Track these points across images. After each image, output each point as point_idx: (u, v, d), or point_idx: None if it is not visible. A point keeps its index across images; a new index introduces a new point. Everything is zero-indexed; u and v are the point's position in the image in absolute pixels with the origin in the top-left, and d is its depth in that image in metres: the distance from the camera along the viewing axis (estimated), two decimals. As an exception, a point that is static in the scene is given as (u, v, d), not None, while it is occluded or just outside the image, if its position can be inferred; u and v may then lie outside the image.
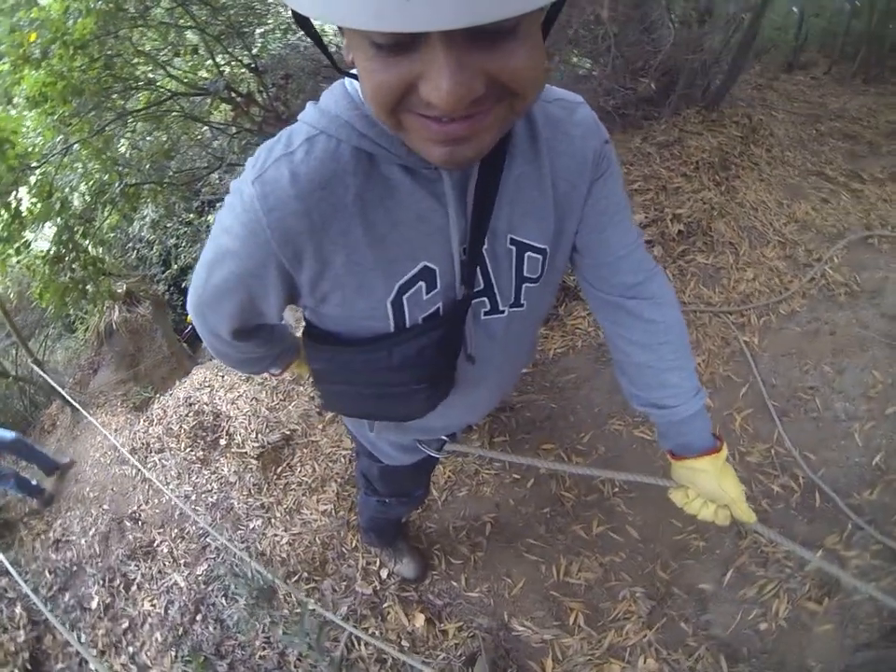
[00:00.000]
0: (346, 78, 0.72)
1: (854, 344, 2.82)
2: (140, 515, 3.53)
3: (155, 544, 3.30)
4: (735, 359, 2.91)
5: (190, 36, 4.03)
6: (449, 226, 0.74)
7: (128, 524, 3.50)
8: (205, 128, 4.72)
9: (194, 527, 3.16)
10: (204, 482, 3.39)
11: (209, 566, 3.00)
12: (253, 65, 3.53)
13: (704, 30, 3.98)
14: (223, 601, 2.76)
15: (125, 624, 2.96)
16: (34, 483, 4.37)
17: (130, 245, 6.91)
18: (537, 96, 0.62)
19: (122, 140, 4.52)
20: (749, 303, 3.17)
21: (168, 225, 6.83)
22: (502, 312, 0.90)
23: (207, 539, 3.06)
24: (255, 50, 3.59)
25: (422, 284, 0.78)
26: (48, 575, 3.27)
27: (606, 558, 2.29)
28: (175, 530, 3.30)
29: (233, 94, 3.68)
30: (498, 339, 0.93)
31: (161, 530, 3.34)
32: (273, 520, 2.99)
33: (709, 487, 0.99)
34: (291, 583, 2.59)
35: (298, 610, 2.44)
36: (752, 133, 4.38)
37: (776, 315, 3.10)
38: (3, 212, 3.62)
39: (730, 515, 1.03)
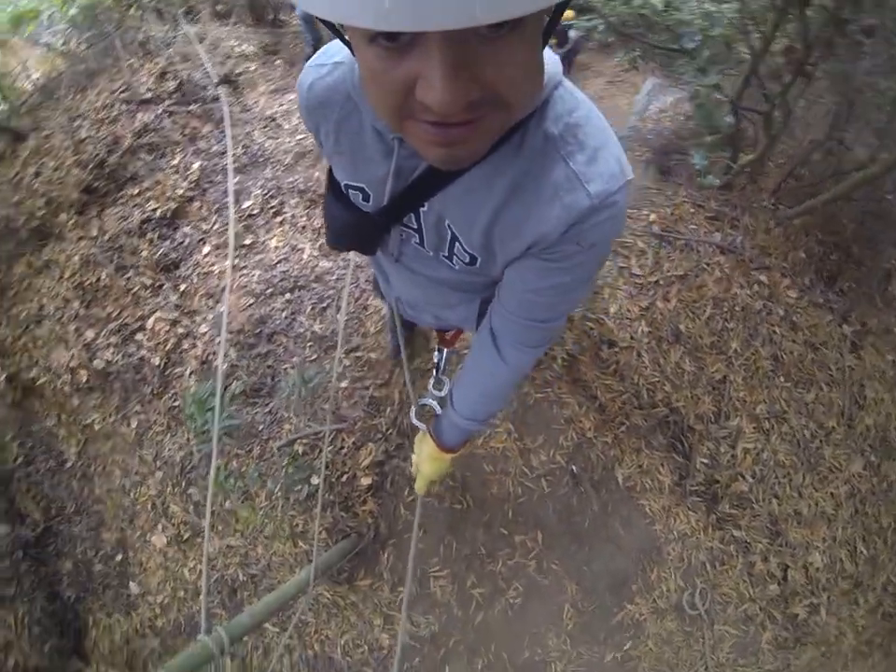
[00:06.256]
0: None
1: None
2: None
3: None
4: None
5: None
6: (387, 179, 0.79)
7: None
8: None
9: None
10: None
11: (332, 266, 2.83)
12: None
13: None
14: (308, 310, 2.73)
15: (248, 241, 2.99)
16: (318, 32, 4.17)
17: None
18: (530, 105, 0.67)
19: None
20: None
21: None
22: (428, 251, 0.93)
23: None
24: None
25: (359, 193, 0.87)
26: (240, 148, 3.26)
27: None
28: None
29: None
30: (421, 263, 0.98)
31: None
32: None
33: (420, 452, 1.27)
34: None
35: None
36: None
37: None
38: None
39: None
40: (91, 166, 3.00)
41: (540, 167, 0.71)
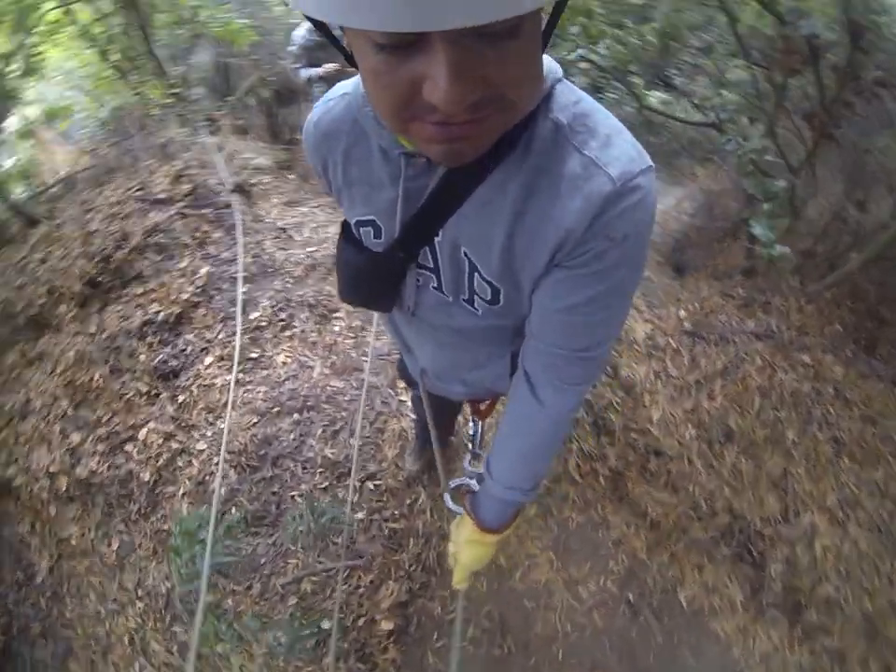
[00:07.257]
0: None
1: None
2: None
3: (334, 314, 3.11)
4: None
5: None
6: (397, 204, 0.79)
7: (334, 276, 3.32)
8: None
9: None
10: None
11: (344, 387, 2.77)
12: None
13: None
14: (319, 433, 2.62)
15: (254, 354, 2.89)
16: None
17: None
18: (532, 103, 0.67)
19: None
20: None
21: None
22: (447, 296, 0.91)
23: (364, 365, 2.78)
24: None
25: (371, 229, 0.87)
26: (250, 257, 3.22)
27: None
28: (357, 321, 3.06)
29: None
30: (441, 313, 0.95)
31: (352, 311, 3.10)
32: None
33: (457, 538, 1.13)
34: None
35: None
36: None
37: None
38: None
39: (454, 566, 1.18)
40: (97, 259, 2.85)
41: (553, 161, 0.70)
